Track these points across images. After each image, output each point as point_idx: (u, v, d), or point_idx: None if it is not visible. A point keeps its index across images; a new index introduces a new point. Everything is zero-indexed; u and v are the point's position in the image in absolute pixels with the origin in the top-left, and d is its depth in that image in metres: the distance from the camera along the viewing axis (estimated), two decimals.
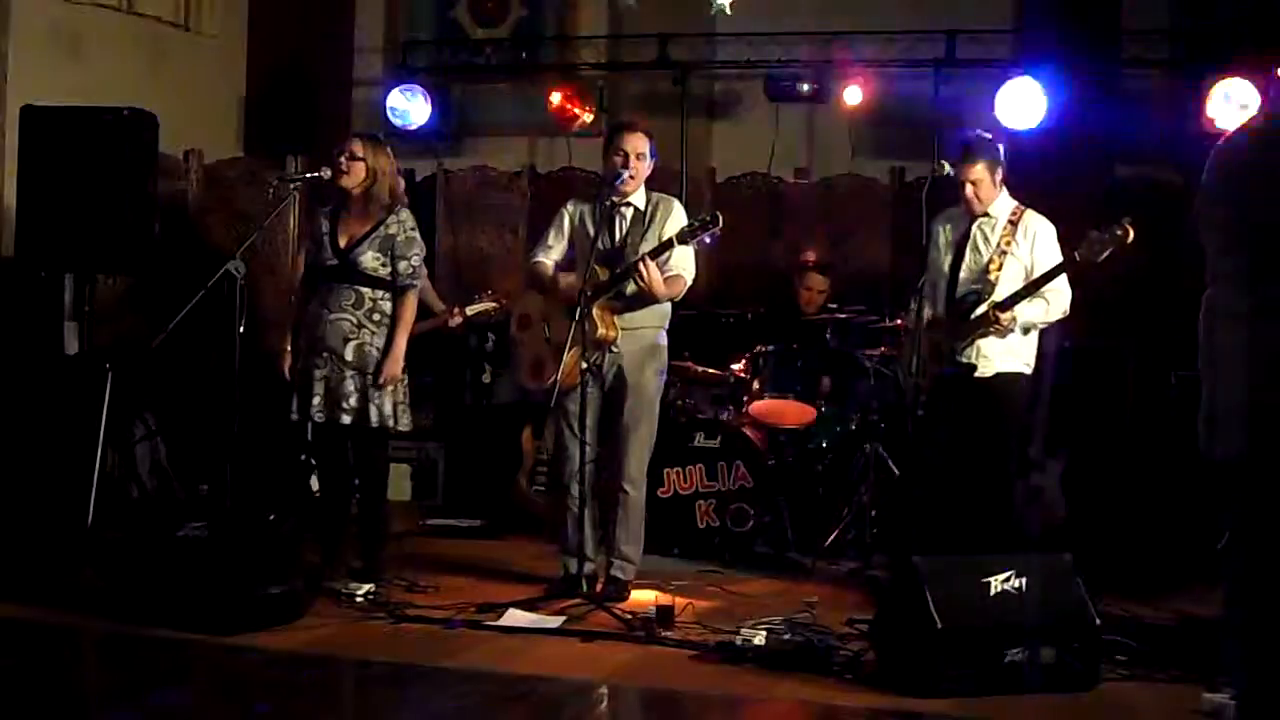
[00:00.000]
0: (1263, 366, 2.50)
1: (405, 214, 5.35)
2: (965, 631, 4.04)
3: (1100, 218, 5.11)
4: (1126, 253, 5.05)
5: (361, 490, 5.40)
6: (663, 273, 5.18)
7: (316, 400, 5.21)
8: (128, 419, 6.57)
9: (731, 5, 6.88)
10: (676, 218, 5.33)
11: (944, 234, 5.50)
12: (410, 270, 5.30)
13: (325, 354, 5.21)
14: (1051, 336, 6.26)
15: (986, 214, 5.36)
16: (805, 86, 7.36)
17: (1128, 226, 4.99)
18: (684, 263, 5.26)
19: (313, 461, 6.44)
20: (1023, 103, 6.88)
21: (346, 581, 5.21)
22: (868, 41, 7.47)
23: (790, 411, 6.47)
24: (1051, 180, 7.03)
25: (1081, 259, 5.06)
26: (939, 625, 3.99)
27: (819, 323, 6.68)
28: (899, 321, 5.82)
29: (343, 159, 5.28)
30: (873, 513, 6.08)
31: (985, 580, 4.13)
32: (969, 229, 5.35)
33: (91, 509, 5.71)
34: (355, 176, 5.30)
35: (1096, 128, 6.99)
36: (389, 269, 5.27)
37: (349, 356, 5.20)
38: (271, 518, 4.94)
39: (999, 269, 5.27)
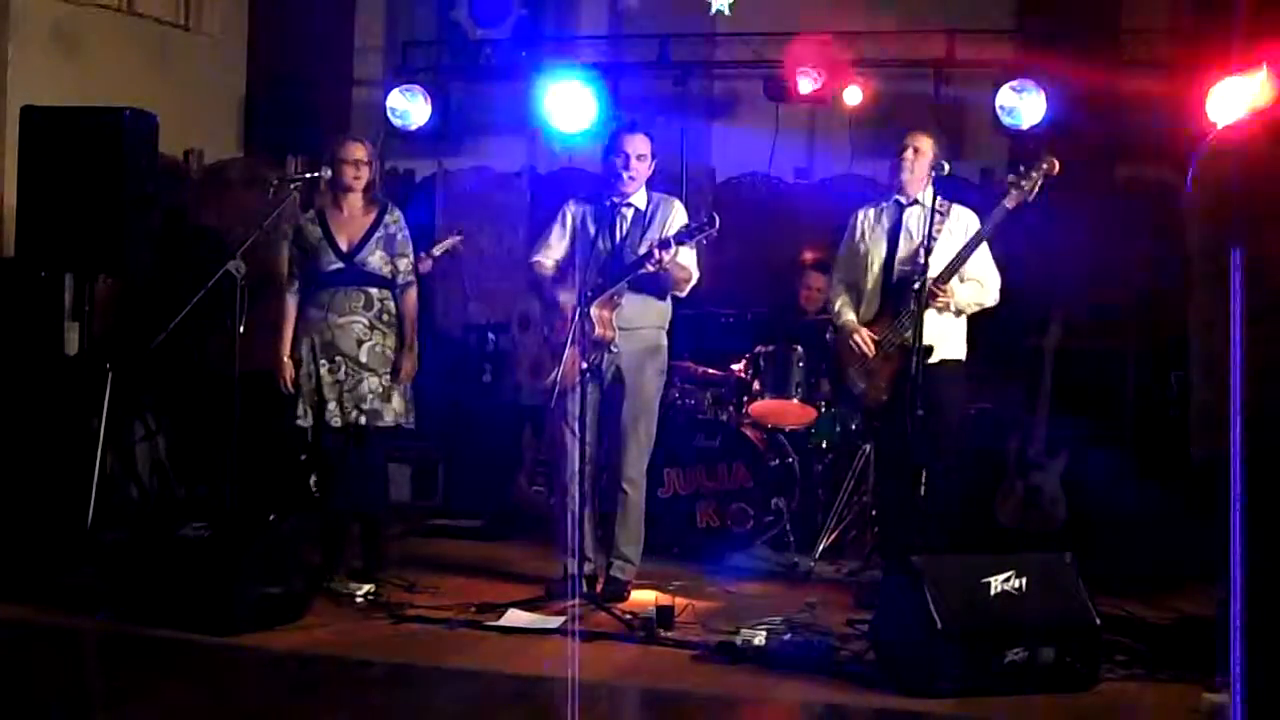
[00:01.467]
0: (1249, 372, 2.50)
1: (397, 211, 5.42)
2: (965, 631, 4.04)
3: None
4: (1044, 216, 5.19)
5: (365, 491, 5.39)
6: None
7: (332, 405, 5.24)
8: (128, 419, 6.57)
9: (731, 6, 6.88)
10: (678, 217, 5.35)
11: (868, 225, 5.51)
12: (410, 267, 5.36)
13: (338, 359, 5.24)
14: (1051, 335, 6.29)
15: (916, 201, 5.39)
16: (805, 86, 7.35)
17: (1051, 160, 5.07)
18: (685, 262, 5.27)
19: (312, 462, 6.45)
20: (1023, 103, 6.88)
21: (346, 581, 5.22)
22: (868, 41, 7.46)
23: (790, 411, 6.47)
24: (1051, 180, 7.04)
25: (1014, 203, 5.12)
26: (939, 625, 3.99)
27: (819, 323, 6.67)
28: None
29: (349, 166, 5.30)
30: (873, 513, 6.08)
31: (985, 580, 4.13)
32: (899, 218, 5.37)
33: (91, 509, 5.71)
34: (363, 179, 5.34)
35: (1096, 128, 6.99)
36: (391, 267, 5.30)
37: (364, 359, 5.25)
38: (271, 518, 4.94)
39: (931, 255, 5.28)
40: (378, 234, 5.29)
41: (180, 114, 7.28)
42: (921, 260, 5.18)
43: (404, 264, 5.34)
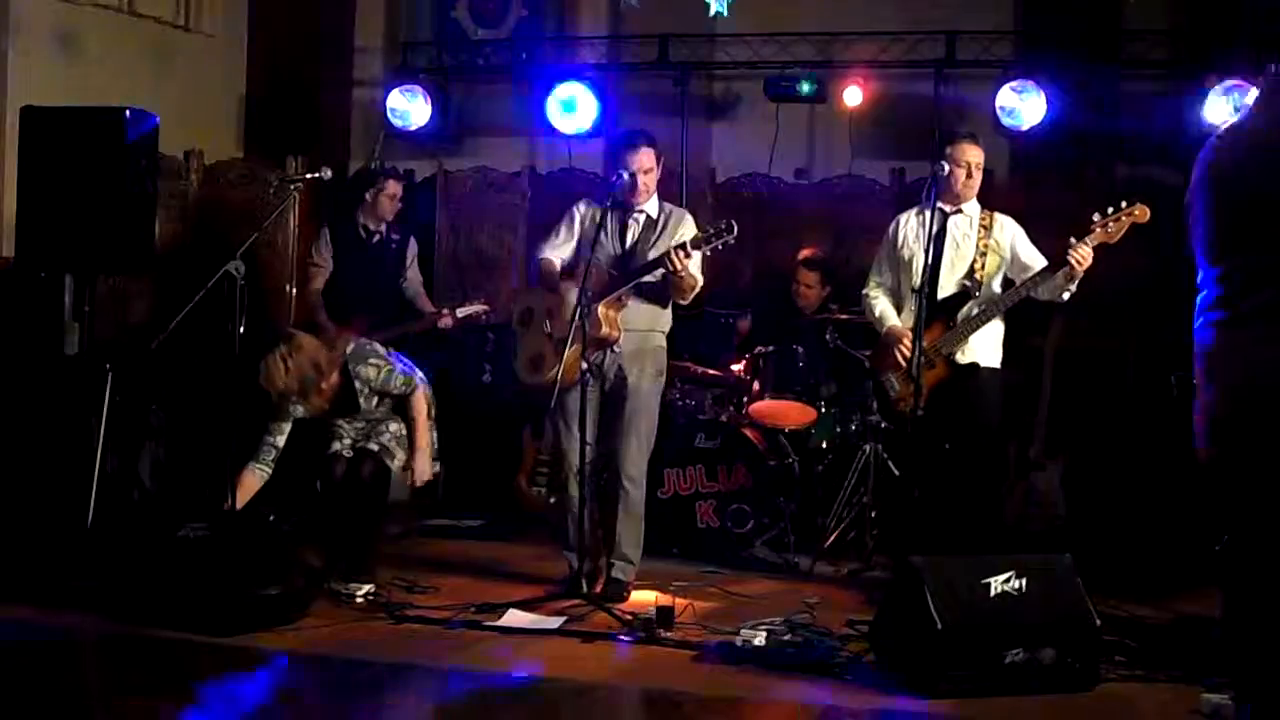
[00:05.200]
0: (1247, 373, 2.50)
1: (362, 369, 5.28)
2: (965, 631, 4.04)
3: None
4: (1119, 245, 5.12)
5: (364, 493, 5.39)
6: None
7: (347, 441, 5.40)
8: (128, 419, 6.57)
9: (730, 7, 6.88)
10: (687, 228, 5.38)
11: (911, 232, 5.52)
12: (402, 385, 5.33)
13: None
14: (1051, 336, 6.29)
15: (960, 210, 5.40)
16: (805, 87, 7.35)
17: (1144, 208, 5.04)
18: (694, 269, 5.29)
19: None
20: (1023, 103, 6.88)
21: (346, 582, 5.22)
22: (868, 42, 7.46)
23: (790, 412, 6.47)
24: (1052, 180, 7.05)
25: (1095, 243, 5.08)
26: (939, 625, 3.99)
27: (819, 323, 6.67)
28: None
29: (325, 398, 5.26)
30: (873, 513, 6.08)
31: (985, 580, 4.14)
32: (944, 226, 5.37)
33: (91, 509, 5.70)
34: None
35: (1096, 128, 7.00)
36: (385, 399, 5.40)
37: (379, 413, 5.40)
38: (271, 518, 4.94)
39: (983, 269, 5.34)
40: (364, 398, 5.32)
41: (180, 114, 7.28)
42: (977, 277, 5.30)
43: (395, 389, 5.32)
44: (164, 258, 6.56)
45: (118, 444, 6.18)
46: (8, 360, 6.26)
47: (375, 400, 5.36)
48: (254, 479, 5.25)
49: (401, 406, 5.39)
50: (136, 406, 6.69)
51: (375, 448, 5.34)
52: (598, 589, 5.27)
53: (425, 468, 5.36)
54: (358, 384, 5.28)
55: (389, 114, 7.75)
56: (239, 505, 5.14)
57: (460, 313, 6.64)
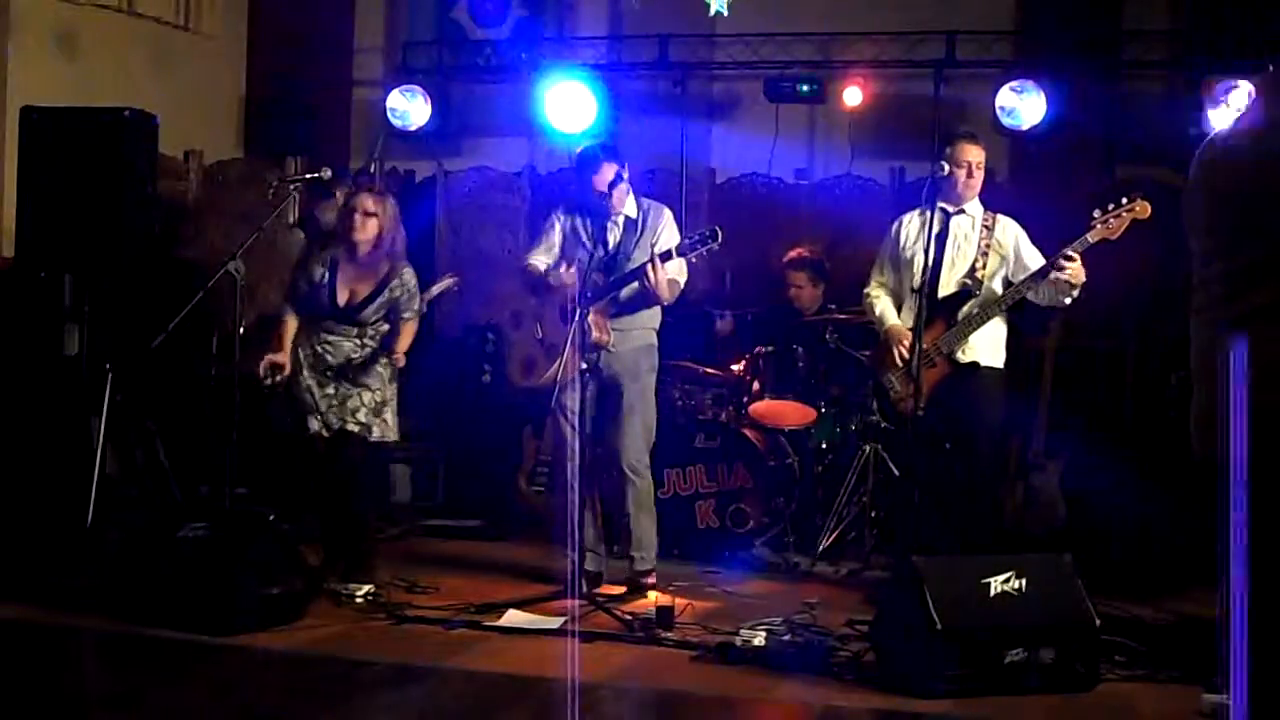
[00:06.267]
0: (1249, 372, 2.49)
1: (407, 274, 5.35)
2: (965, 631, 4.04)
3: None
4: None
5: (352, 494, 5.39)
6: None
7: (324, 415, 5.29)
8: (127, 419, 6.57)
9: (729, 6, 6.88)
10: (668, 224, 5.43)
11: (913, 232, 5.51)
12: (416, 312, 5.39)
13: (328, 373, 5.29)
14: (1051, 335, 6.29)
15: (963, 211, 5.39)
16: (805, 87, 7.36)
17: (1144, 203, 5.01)
18: (678, 271, 5.32)
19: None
20: (1023, 103, 6.88)
21: (346, 582, 5.22)
22: (868, 42, 7.47)
23: (790, 412, 6.47)
24: (1052, 180, 7.05)
25: (1097, 239, 5.07)
26: (939, 625, 3.99)
27: (819, 323, 6.67)
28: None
29: (356, 216, 5.23)
30: (873, 513, 6.08)
31: (985, 580, 4.14)
32: (946, 226, 5.36)
33: (91, 509, 5.70)
34: (368, 233, 5.26)
35: (1096, 128, 7.00)
36: (392, 318, 5.36)
37: (352, 373, 5.29)
38: (271, 518, 4.94)
39: (984, 269, 5.33)
40: (382, 298, 5.30)
41: (180, 114, 7.28)
42: (978, 275, 5.28)
43: (408, 314, 5.38)
44: (163, 258, 6.55)
45: (118, 444, 6.18)
46: (8, 360, 6.26)
47: (376, 315, 5.31)
48: (294, 321, 5.35)
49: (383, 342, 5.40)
50: (136, 406, 6.69)
51: (355, 428, 5.28)
52: (598, 589, 5.28)
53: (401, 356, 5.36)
54: (394, 281, 5.28)
55: (389, 114, 7.75)
56: (285, 346, 5.26)
57: (434, 291, 6.62)
